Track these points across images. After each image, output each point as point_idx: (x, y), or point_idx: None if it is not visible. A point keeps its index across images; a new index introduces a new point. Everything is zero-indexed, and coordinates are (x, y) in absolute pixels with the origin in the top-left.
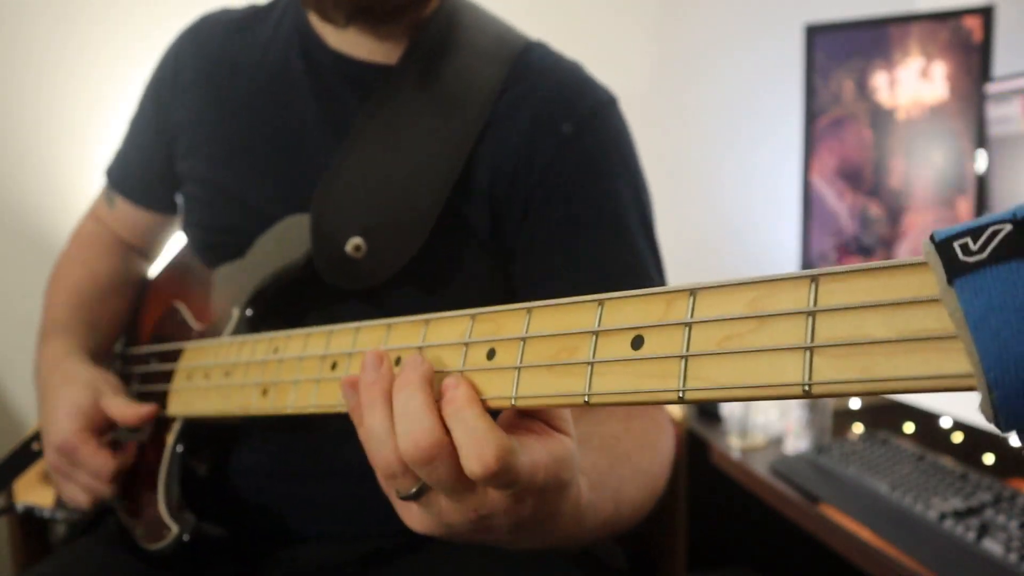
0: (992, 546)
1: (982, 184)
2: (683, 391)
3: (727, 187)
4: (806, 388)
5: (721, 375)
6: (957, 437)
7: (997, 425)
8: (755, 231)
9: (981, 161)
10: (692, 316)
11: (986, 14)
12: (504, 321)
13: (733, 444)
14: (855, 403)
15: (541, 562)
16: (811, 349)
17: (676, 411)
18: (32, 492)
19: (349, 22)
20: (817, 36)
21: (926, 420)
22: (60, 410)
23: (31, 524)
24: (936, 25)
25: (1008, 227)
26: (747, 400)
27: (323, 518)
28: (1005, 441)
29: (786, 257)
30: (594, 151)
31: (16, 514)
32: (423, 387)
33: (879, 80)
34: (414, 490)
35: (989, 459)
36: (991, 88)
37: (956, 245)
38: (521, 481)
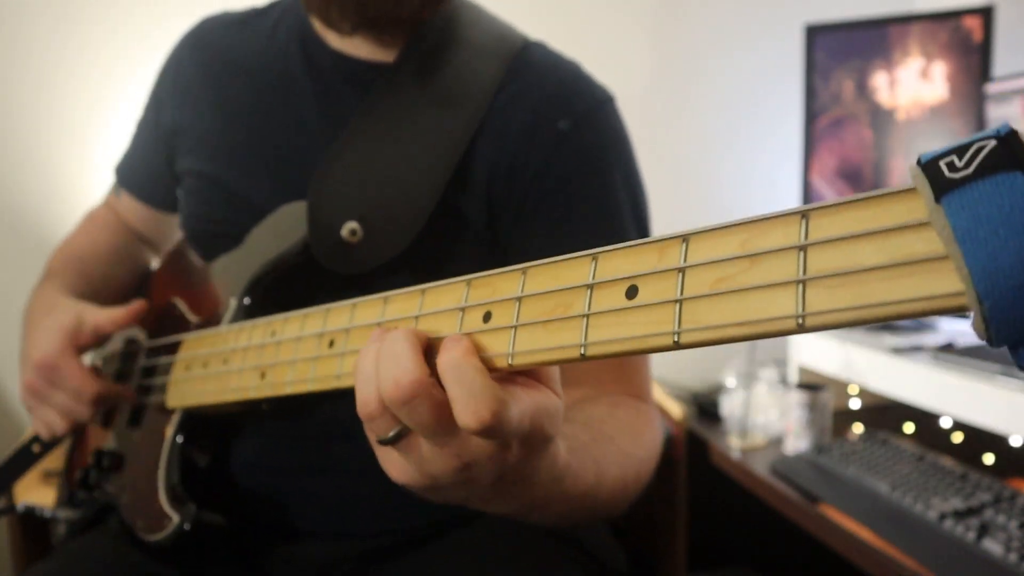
0: (992, 546)
1: None
2: (678, 333)
3: (727, 187)
4: (800, 321)
5: (715, 315)
6: (957, 437)
7: (989, 340)
8: None
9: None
10: (685, 261)
11: (986, 14)
12: (499, 284)
13: (733, 444)
14: (855, 403)
15: (541, 562)
16: (803, 282)
17: (676, 411)
18: (33, 492)
19: (355, 31)
20: (817, 36)
21: (926, 420)
22: (42, 334)
23: (31, 524)
24: (936, 25)
25: (992, 142)
26: (743, 338)
27: (324, 513)
28: (1005, 441)
29: None
30: (591, 148)
31: (16, 514)
32: (409, 337)
33: (879, 80)
34: (392, 434)
35: (989, 459)
36: (991, 88)
37: (942, 164)
38: (510, 431)
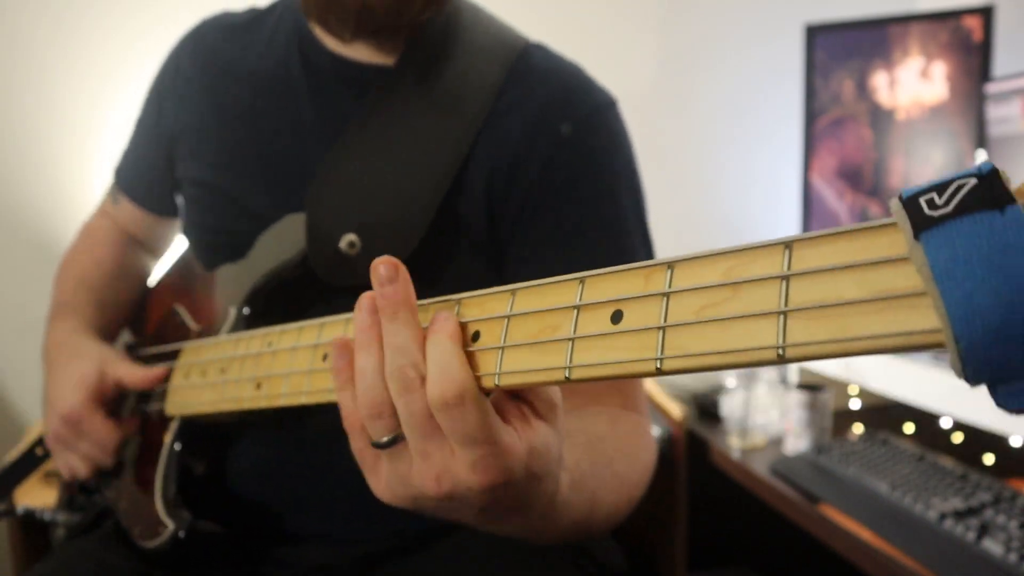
0: (992, 546)
1: None
2: (660, 360)
3: (727, 187)
4: (780, 352)
5: (698, 343)
6: (957, 437)
7: (966, 378)
8: (755, 231)
9: (981, 161)
10: (670, 287)
11: (986, 14)
12: (489, 304)
13: (733, 444)
14: (855, 403)
15: (540, 563)
16: (785, 313)
17: (676, 411)
18: (32, 495)
19: (354, 37)
20: (817, 36)
21: (926, 420)
22: (67, 382)
23: (31, 525)
24: (936, 25)
25: (973, 181)
26: (724, 367)
27: (321, 518)
28: (1005, 441)
29: None
30: (592, 153)
31: (16, 517)
32: (411, 322)
33: (879, 80)
34: (387, 438)
35: (989, 459)
36: (991, 88)
37: (922, 200)
38: (495, 447)
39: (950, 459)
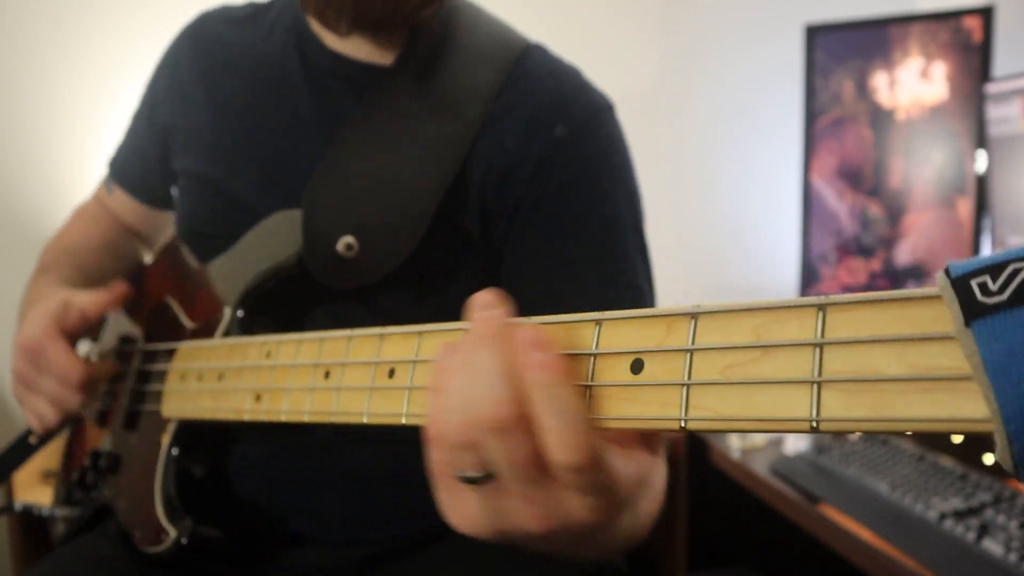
0: (992, 546)
1: (982, 184)
2: (685, 420)
3: (727, 187)
4: (814, 424)
5: (724, 405)
6: (957, 437)
7: (1017, 476)
8: (755, 231)
9: (981, 161)
10: (694, 341)
11: (986, 14)
12: None
13: (733, 444)
14: None
15: (540, 563)
16: (819, 383)
17: None
18: (31, 491)
19: (351, 31)
20: (817, 36)
21: None
22: (28, 322)
23: (31, 523)
24: (936, 25)
25: None
26: (752, 432)
27: (321, 521)
28: None
29: (786, 257)
30: (588, 156)
31: (15, 513)
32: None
33: (879, 80)
34: (475, 475)
35: (989, 459)
36: (991, 88)
37: (974, 283)
38: (615, 489)
39: (950, 459)
